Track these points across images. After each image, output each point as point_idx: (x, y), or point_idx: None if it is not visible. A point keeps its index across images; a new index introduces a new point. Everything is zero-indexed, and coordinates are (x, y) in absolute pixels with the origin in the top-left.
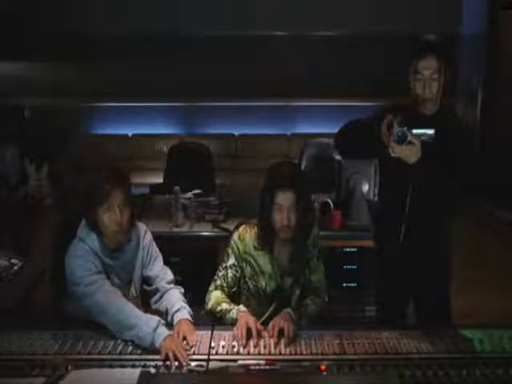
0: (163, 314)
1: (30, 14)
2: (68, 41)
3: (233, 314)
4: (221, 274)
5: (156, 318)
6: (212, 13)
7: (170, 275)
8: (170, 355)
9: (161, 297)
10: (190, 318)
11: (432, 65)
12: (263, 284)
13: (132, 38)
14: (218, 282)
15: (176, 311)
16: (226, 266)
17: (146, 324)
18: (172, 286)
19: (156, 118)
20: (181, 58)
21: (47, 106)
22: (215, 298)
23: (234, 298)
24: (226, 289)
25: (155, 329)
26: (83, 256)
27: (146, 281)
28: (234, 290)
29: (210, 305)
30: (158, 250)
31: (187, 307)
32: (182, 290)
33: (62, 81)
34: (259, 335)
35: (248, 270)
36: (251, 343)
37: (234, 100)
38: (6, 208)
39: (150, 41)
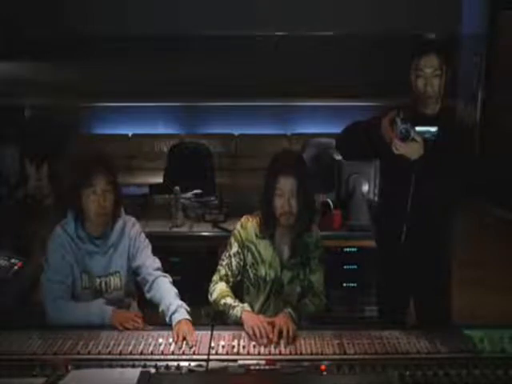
0: (158, 308)
1: (30, 14)
2: (68, 41)
3: (237, 311)
4: (224, 262)
5: (100, 300)
6: (212, 13)
7: (157, 263)
8: (127, 326)
9: (151, 285)
10: (188, 317)
11: (433, 63)
12: (263, 272)
13: (132, 38)
14: (223, 272)
15: (174, 312)
16: (229, 255)
17: (93, 305)
18: (159, 273)
19: (156, 117)
20: (181, 57)
21: (47, 106)
22: (220, 290)
23: (239, 288)
24: (230, 278)
25: (102, 308)
26: (57, 241)
27: (136, 271)
28: (239, 278)
29: (214, 296)
30: (147, 240)
31: (183, 305)
32: (170, 279)
33: (62, 81)
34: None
35: (249, 258)
36: (263, 342)
37: (234, 100)
38: (5, 208)
39: (149, 41)
